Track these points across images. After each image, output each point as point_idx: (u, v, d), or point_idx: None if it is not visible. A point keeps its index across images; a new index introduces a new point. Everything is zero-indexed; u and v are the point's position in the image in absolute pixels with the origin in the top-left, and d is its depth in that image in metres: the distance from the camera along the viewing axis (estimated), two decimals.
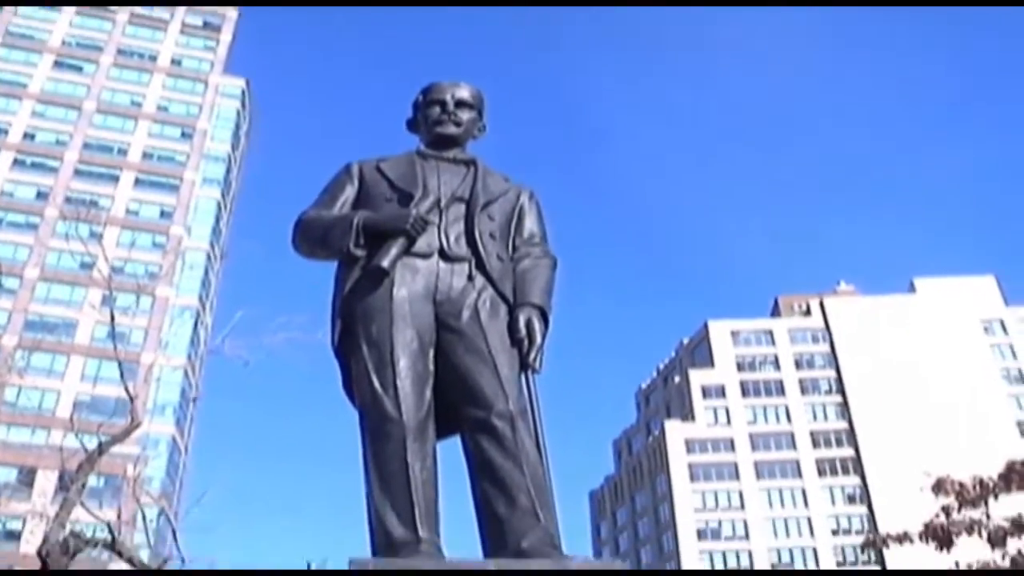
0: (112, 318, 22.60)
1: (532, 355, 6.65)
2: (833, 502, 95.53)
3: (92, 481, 21.59)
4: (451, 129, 7.47)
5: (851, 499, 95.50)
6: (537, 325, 6.78)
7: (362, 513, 6.45)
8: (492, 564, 5.59)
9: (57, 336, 74.34)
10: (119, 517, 17.29)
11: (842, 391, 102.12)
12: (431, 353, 6.59)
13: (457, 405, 6.51)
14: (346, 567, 5.61)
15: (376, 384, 6.39)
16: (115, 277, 22.83)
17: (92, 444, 18.02)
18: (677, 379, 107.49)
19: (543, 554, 5.84)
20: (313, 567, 5.29)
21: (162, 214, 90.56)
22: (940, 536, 22.48)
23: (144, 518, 18.96)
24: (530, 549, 5.90)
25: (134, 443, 26.95)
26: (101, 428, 19.38)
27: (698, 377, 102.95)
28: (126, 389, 19.00)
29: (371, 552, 6.08)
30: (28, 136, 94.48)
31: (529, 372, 6.63)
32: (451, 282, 6.77)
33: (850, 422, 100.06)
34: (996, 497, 21.20)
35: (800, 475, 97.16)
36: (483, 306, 6.69)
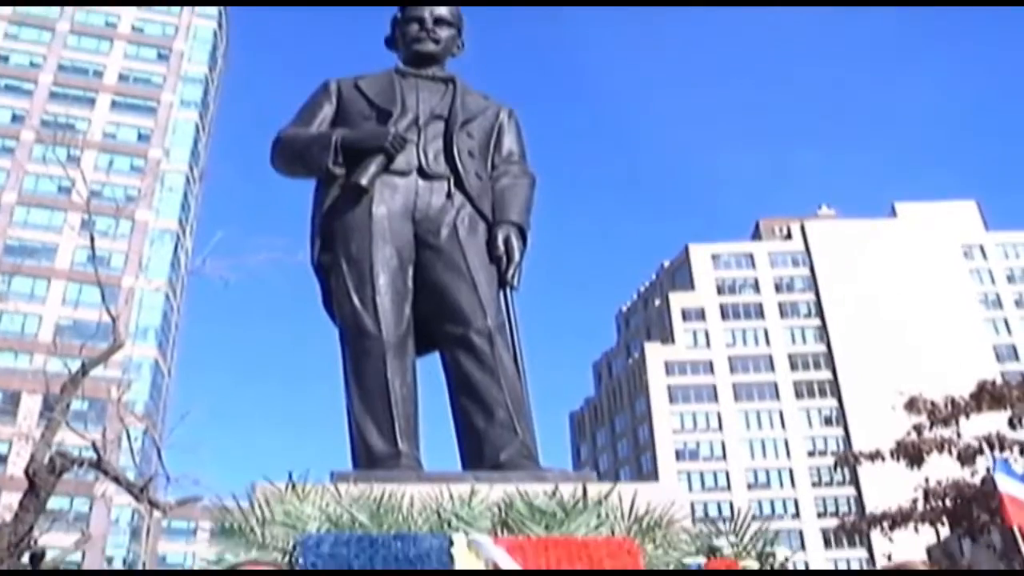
0: (92, 241, 22.50)
1: (510, 272, 6.75)
2: (810, 424, 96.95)
3: (76, 404, 21.72)
4: (429, 46, 7.44)
5: (827, 421, 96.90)
6: (515, 242, 6.87)
7: (344, 428, 6.59)
8: (471, 476, 5.73)
9: (37, 260, 73.95)
10: (104, 436, 17.46)
11: (821, 314, 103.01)
12: (410, 270, 6.67)
13: (436, 322, 6.61)
14: (328, 480, 5.74)
15: (356, 301, 6.48)
16: (94, 201, 22.65)
17: (75, 367, 18.11)
18: (657, 302, 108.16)
19: (520, 466, 5.99)
20: (295, 478, 5.39)
21: (140, 137, 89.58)
22: (911, 453, 22.97)
23: (129, 438, 19.15)
24: (508, 461, 6.06)
25: (117, 367, 27.03)
26: (84, 350, 19.45)
27: (678, 300, 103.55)
28: (108, 310, 19.01)
29: (352, 465, 6.22)
30: (1, 58, 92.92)
31: (507, 289, 6.74)
32: (430, 200, 6.82)
33: (828, 345, 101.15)
34: (967, 416, 21.60)
35: (778, 397, 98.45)
36: (462, 224, 6.76)
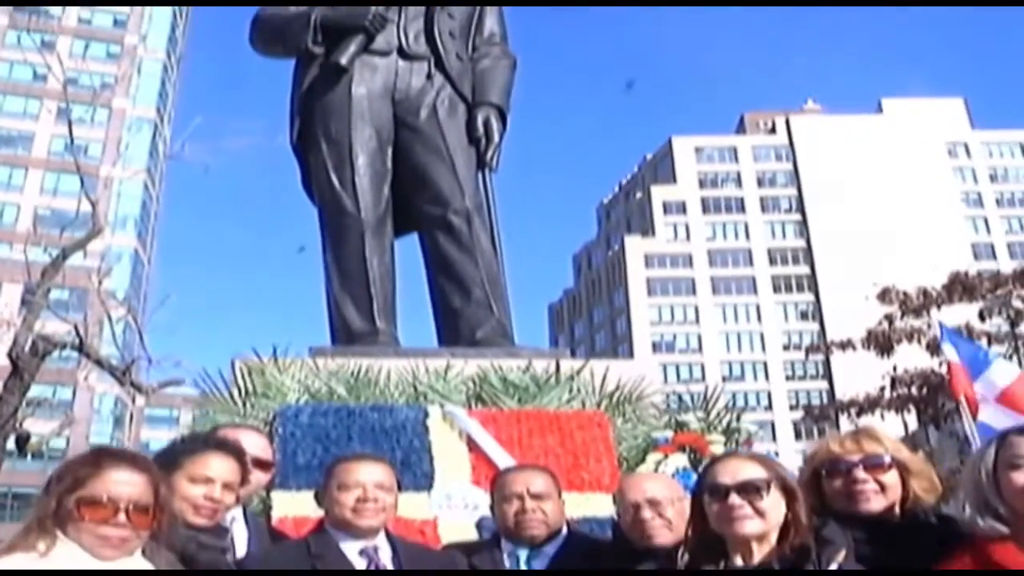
0: (70, 128, 22.25)
1: (489, 153, 6.80)
2: (786, 318, 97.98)
3: (58, 294, 21.71)
4: None
5: (804, 315, 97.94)
6: (495, 124, 6.92)
7: (323, 306, 6.71)
8: (447, 352, 5.89)
9: (13, 149, 72.97)
10: (85, 320, 17.53)
11: (802, 210, 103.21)
12: (389, 151, 6.71)
13: (415, 202, 6.69)
14: (307, 355, 5.88)
15: (335, 181, 6.54)
16: (70, 88, 22.30)
17: (55, 255, 18.07)
18: (639, 194, 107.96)
19: (496, 343, 6.16)
20: (279, 352, 5.48)
21: (115, 23, 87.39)
22: (881, 342, 23.33)
23: (111, 322, 19.20)
24: (484, 339, 6.22)
25: (97, 256, 26.96)
26: (63, 238, 19.37)
27: (660, 193, 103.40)
28: (87, 196, 18.90)
29: (331, 342, 6.37)
30: None
31: (486, 170, 6.81)
32: (410, 80, 6.83)
33: (808, 241, 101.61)
34: (939, 307, 21.85)
35: (755, 291, 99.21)
36: (442, 105, 6.78)
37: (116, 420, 74.94)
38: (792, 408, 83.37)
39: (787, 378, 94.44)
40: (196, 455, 3.07)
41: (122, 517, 2.44)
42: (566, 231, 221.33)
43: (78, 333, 16.57)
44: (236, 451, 3.20)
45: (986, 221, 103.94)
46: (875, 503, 3.16)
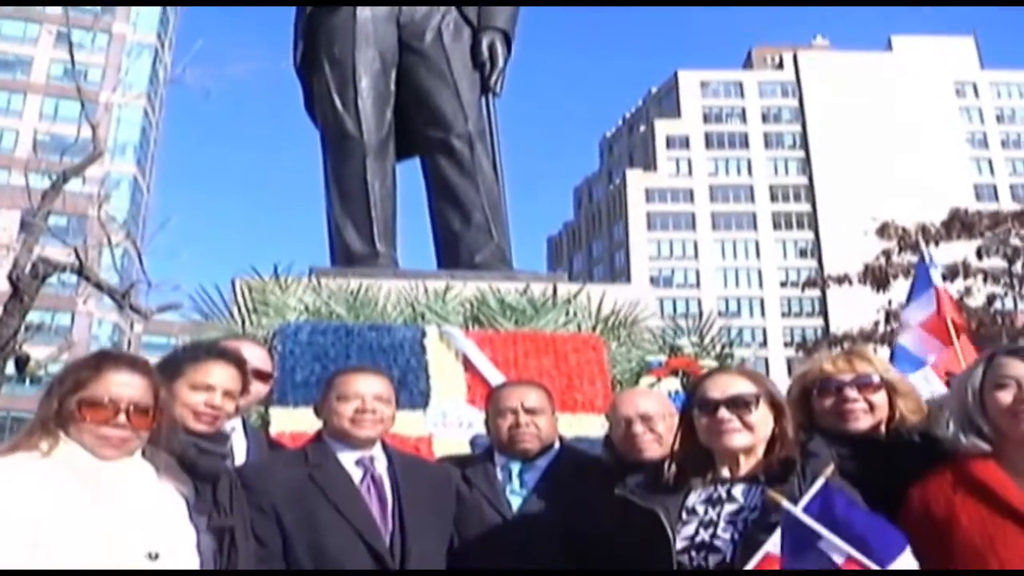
0: (71, 52, 22.06)
1: (493, 78, 6.78)
2: (785, 255, 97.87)
3: (56, 220, 21.65)
4: None
5: (803, 253, 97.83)
6: (500, 48, 6.88)
7: (323, 229, 6.74)
8: (446, 274, 5.94)
9: (12, 73, 72.33)
10: (85, 244, 17.52)
11: (806, 146, 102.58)
12: (393, 74, 6.69)
13: (417, 126, 6.69)
14: (305, 277, 5.92)
15: (337, 104, 6.53)
16: (70, 12, 22.09)
17: (55, 178, 17.99)
18: (642, 128, 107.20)
19: (494, 268, 6.21)
20: (281, 271, 5.47)
21: None
22: (878, 277, 23.33)
23: (111, 246, 19.17)
24: (482, 263, 6.27)
25: (96, 183, 26.87)
26: (63, 163, 19.26)
27: (663, 127, 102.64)
28: (88, 119, 18.78)
29: (330, 264, 6.41)
30: None
31: (490, 95, 6.79)
32: (415, 4, 6.78)
33: (810, 178, 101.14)
34: (936, 244, 21.74)
35: (755, 228, 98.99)
36: (447, 28, 6.74)
37: (113, 347, 75.33)
38: (787, 345, 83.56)
39: (783, 315, 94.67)
40: (198, 363, 3.12)
41: (122, 418, 2.50)
42: (568, 164, 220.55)
43: (78, 256, 16.58)
44: (237, 360, 3.25)
45: (990, 162, 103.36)
46: (863, 421, 3.24)
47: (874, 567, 2.36)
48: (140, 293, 18.92)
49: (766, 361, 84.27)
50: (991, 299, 22.93)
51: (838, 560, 2.37)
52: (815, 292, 74.85)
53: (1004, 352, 2.96)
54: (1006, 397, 2.76)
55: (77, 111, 20.97)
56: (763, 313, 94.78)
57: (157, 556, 2.44)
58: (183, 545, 2.57)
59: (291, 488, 3.26)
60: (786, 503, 2.46)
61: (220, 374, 3.13)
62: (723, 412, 2.74)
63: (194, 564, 2.57)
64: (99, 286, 17.26)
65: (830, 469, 2.70)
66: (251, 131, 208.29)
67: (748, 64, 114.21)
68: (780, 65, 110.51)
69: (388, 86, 6.63)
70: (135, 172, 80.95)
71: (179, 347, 3.54)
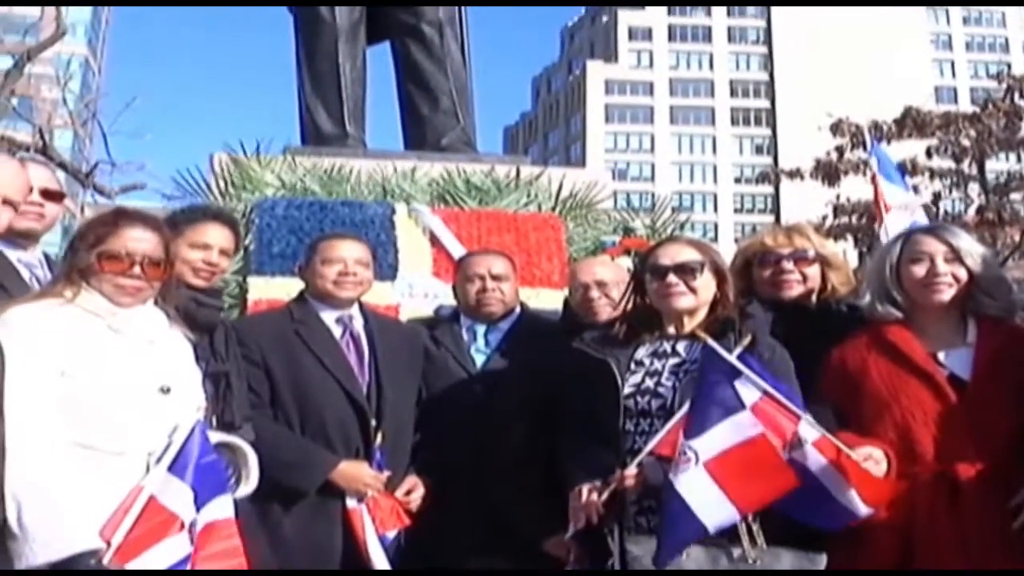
0: None
1: None
2: (741, 151, 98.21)
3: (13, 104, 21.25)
4: None
5: (759, 150, 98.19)
6: None
7: (294, 111, 6.92)
8: (414, 154, 6.19)
9: None
10: (49, 122, 17.31)
11: (769, 42, 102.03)
12: None
13: (389, 10, 6.82)
14: (280, 156, 6.14)
15: None
16: None
17: (10, 64, 17.60)
18: (605, 19, 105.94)
19: (460, 151, 6.46)
20: (253, 150, 5.58)
21: None
22: (829, 172, 23.80)
23: (75, 126, 18.88)
24: (448, 146, 6.51)
25: (48, 64, 26.26)
26: (25, 43, 18.75)
27: (626, 18, 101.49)
28: None
29: (300, 143, 6.62)
30: None
31: None
32: None
33: (771, 74, 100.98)
34: (888, 142, 22.12)
35: (713, 123, 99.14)
36: None
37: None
38: (737, 241, 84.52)
39: (735, 211, 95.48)
40: (196, 223, 3.45)
41: (137, 269, 2.80)
42: (527, 54, 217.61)
43: (42, 136, 16.45)
44: (231, 221, 3.56)
45: (952, 65, 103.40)
46: (795, 290, 3.64)
47: (787, 404, 2.75)
48: (103, 173, 18.83)
49: None
50: (937, 197, 23.49)
51: (749, 400, 2.75)
52: (768, 189, 75.60)
53: (921, 230, 3.36)
54: (919, 270, 3.14)
55: None
56: (716, 208, 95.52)
57: (168, 390, 2.78)
58: (191, 382, 2.91)
59: (278, 341, 3.64)
60: (710, 340, 2.85)
61: (216, 234, 3.47)
62: (671, 277, 3.09)
63: (200, 400, 2.91)
64: (63, 166, 17.17)
65: (766, 329, 3.13)
66: (219, 11, 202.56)
67: None
68: None
69: None
70: (86, 53, 78.85)
71: (177, 210, 3.83)
